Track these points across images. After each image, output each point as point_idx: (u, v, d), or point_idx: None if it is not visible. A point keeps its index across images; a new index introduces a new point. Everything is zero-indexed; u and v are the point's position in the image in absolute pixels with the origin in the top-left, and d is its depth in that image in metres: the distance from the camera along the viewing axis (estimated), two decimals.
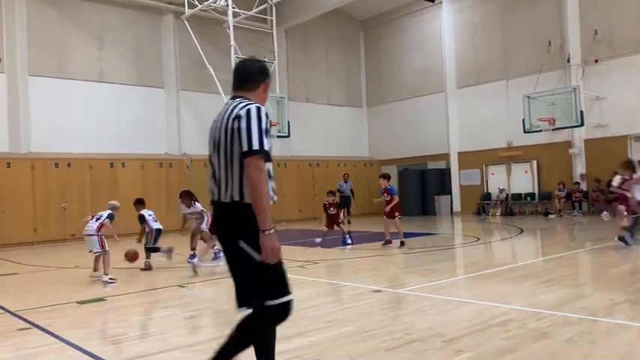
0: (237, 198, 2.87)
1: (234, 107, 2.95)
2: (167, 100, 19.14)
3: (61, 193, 16.31)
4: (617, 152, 17.31)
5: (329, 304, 5.84)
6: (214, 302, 6.26)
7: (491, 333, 4.47)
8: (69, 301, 6.70)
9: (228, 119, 2.92)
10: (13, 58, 16.11)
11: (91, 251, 8.50)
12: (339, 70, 24.69)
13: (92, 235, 8.41)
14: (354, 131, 24.98)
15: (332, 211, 12.54)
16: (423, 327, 4.73)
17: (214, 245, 9.73)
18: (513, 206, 19.99)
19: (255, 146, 2.78)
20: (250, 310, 3.02)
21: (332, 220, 12.55)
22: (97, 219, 8.62)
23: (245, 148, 2.80)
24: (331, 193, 12.97)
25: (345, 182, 20.30)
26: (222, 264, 9.25)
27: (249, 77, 3.14)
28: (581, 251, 9.94)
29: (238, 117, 2.87)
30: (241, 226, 2.89)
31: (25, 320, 5.63)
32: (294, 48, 22.89)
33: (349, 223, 16.32)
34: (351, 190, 20.34)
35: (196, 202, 10.12)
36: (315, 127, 23.03)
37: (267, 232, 2.80)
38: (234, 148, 2.86)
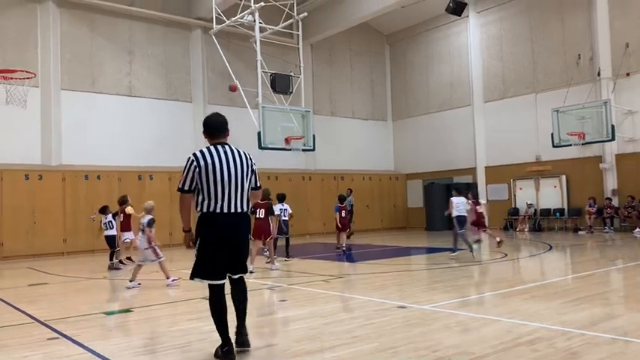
0: (246, 210, 4.63)
1: (242, 152, 4.66)
2: (195, 114, 19.42)
3: (90, 204, 16.60)
4: None
5: (353, 320, 5.79)
6: None
7: (519, 352, 4.36)
8: (97, 311, 6.80)
9: (248, 161, 4.63)
10: (47, 72, 16.60)
11: (144, 262, 8.82)
12: (365, 83, 24.75)
13: (147, 248, 8.74)
14: (380, 145, 24.92)
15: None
16: (449, 344, 4.65)
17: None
18: (542, 222, 19.60)
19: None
20: (234, 278, 4.65)
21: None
22: (141, 229, 8.83)
23: (259, 184, 4.82)
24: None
25: (348, 196, 18.52)
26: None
27: (226, 128, 4.71)
28: (613, 269, 9.67)
29: (254, 164, 4.72)
30: (249, 226, 4.79)
31: (54, 330, 5.72)
32: (320, 62, 23.04)
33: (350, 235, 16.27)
34: (351, 205, 18.90)
35: None
36: (340, 141, 23.07)
37: None
38: (250, 180, 4.62)
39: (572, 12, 18.90)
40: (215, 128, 4.63)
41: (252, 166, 4.63)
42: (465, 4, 18.11)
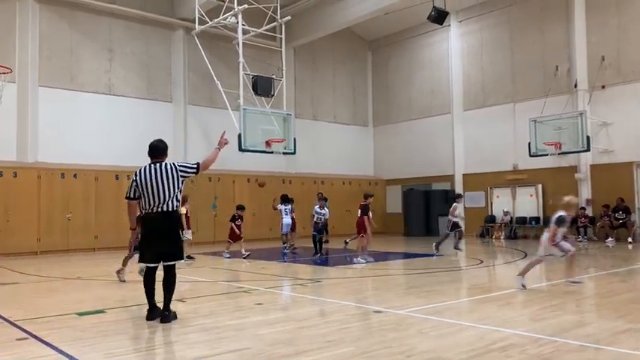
0: (172, 209, 6.02)
1: (170, 165, 6.08)
2: (175, 114, 19.28)
3: (65, 203, 16.37)
4: (623, 178, 17.29)
5: (328, 324, 5.79)
6: (212, 318, 6.23)
7: (492, 358, 4.41)
8: (69, 312, 6.68)
9: (174, 171, 6.03)
10: (25, 68, 16.32)
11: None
12: (346, 88, 24.85)
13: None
14: (360, 150, 25.04)
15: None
16: (424, 349, 4.68)
17: None
18: (517, 230, 19.87)
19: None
20: (164, 266, 6.07)
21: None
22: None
23: (193, 168, 6.18)
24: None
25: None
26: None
27: (162, 152, 6.22)
28: (585, 277, 9.84)
29: (180, 165, 6.16)
30: (177, 222, 6.23)
31: (23, 330, 5.61)
32: (302, 66, 23.08)
33: (327, 242, 16.07)
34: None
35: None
36: (321, 145, 23.12)
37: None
38: (179, 181, 6.04)
39: (551, 25, 19.25)
40: (152, 152, 6.18)
41: (178, 171, 6.04)
42: (447, 13, 18.30)
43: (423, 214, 22.42)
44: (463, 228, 14.92)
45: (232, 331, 5.53)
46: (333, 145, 23.73)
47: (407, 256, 14.59)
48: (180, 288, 9.14)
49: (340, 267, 11.97)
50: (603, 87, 17.88)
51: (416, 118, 23.63)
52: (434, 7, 17.95)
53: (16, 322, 5.99)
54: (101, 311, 6.68)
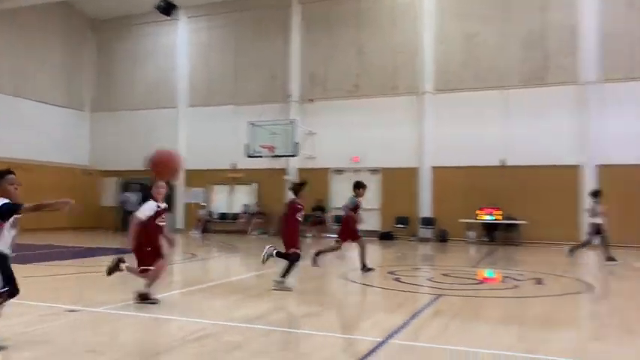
0: None
1: None
2: None
3: None
4: (323, 182, 19.73)
5: (14, 326, 5.10)
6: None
7: (188, 348, 4.51)
8: None
9: None
10: None
11: None
12: (60, 66, 22.45)
13: None
14: (73, 136, 22.90)
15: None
16: (119, 344, 4.50)
17: None
18: (219, 225, 20.89)
19: None
20: None
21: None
22: None
23: None
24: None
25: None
26: None
27: None
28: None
29: None
30: None
31: None
32: (4, 33, 19.96)
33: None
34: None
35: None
36: (26, 127, 20.34)
37: None
38: None
39: (272, 37, 20.83)
40: None
41: None
42: (175, 6, 18.15)
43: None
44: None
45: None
46: (40, 127, 21.10)
47: (120, 252, 13.87)
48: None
49: (37, 264, 10.69)
50: (311, 100, 20.13)
51: (141, 109, 22.75)
52: None
53: None
54: None
